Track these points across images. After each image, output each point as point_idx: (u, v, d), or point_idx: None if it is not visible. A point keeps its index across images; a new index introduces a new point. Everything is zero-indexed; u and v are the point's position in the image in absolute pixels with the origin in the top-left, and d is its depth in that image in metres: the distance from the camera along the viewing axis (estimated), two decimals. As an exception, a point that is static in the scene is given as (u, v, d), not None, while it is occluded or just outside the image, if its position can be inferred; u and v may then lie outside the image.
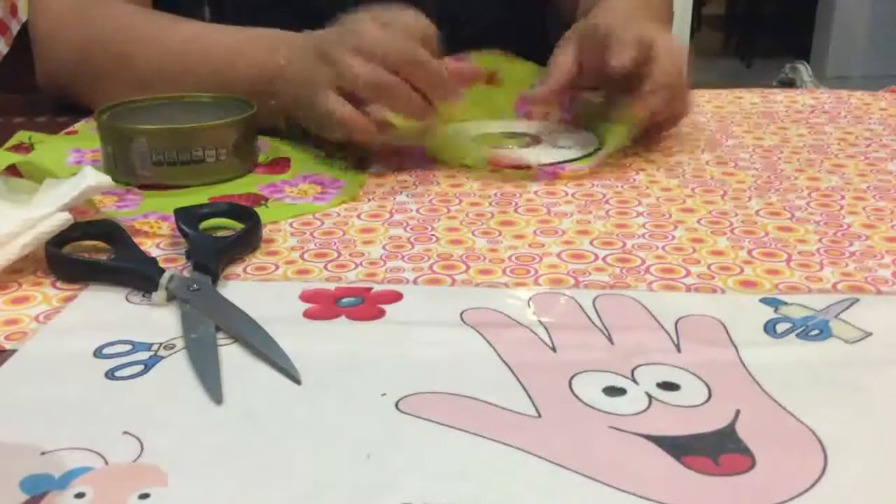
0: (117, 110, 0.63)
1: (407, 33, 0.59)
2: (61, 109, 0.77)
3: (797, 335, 0.40)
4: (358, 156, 0.65)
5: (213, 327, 0.41)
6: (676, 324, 0.41)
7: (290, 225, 0.54)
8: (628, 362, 0.38)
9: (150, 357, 0.39)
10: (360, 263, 0.48)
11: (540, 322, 0.41)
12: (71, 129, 0.73)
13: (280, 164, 0.64)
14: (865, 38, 3.85)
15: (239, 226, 0.51)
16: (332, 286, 0.45)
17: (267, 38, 0.67)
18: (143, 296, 0.44)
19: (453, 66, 0.61)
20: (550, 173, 0.62)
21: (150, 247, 0.50)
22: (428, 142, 0.65)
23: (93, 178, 0.50)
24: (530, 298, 0.44)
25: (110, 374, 0.37)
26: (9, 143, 0.67)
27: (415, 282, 0.46)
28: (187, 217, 0.51)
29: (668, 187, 0.60)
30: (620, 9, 0.72)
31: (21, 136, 0.68)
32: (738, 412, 0.34)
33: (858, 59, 3.82)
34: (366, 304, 0.43)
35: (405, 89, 0.59)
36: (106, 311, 0.43)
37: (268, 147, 0.66)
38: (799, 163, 0.65)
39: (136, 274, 0.45)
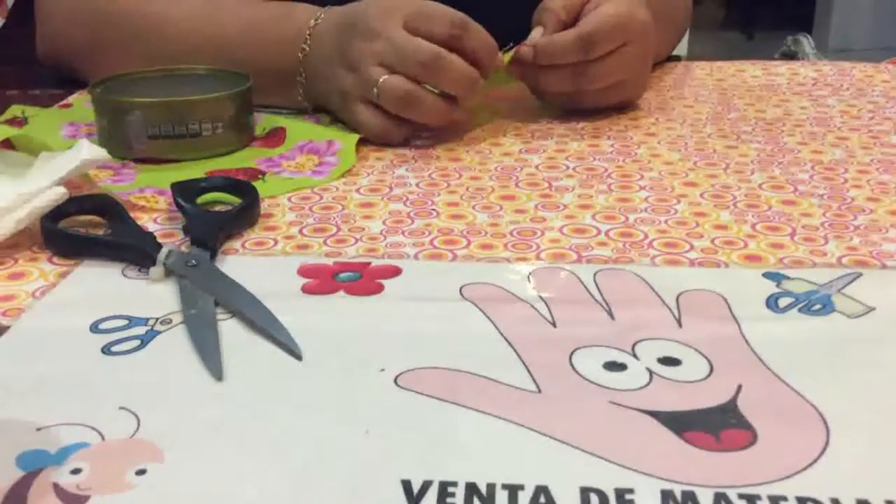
0: (112, 83, 0.63)
1: (435, 22, 0.59)
2: (57, 82, 0.77)
3: (799, 310, 0.40)
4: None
5: (212, 302, 0.40)
6: (678, 299, 0.41)
7: (289, 199, 0.53)
8: (629, 337, 0.37)
9: (147, 332, 0.38)
10: (360, 238, 0.48)
11: (540, 297, 0.41)
12: (65, 102, 0.72)
13: (276, 136, 0.63)
14: (868, 10, 3.82)
15: (237, 200, 0.51)
16: (330, 261, 0.45)
17: (284, 19, 0.66)
18: (140, 270, 0.44)
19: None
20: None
21: (146, 221, 0.50)
22: None
23: (88, 151, 0.49)
24: (530, 273, 0.43)
25: (107, 349, 0.37)
26: (2, 118, 0.66)
27: (416, 257, 0.46)
28: (184, 191, 0.50)
29: (670, 161, 0.60)
30: None
31: (14, 110, 0.67)
32: (739, 387, 0.34)
33: (861, 31, 3.79)
34: (364, 279, 0.43)
35: (427, 97, 0.59)
36: (102, 286, 0.43)
37: (263, 119, 0.65)
38: (802, 136, 0.64)
39: (134, 249, 0.45)
